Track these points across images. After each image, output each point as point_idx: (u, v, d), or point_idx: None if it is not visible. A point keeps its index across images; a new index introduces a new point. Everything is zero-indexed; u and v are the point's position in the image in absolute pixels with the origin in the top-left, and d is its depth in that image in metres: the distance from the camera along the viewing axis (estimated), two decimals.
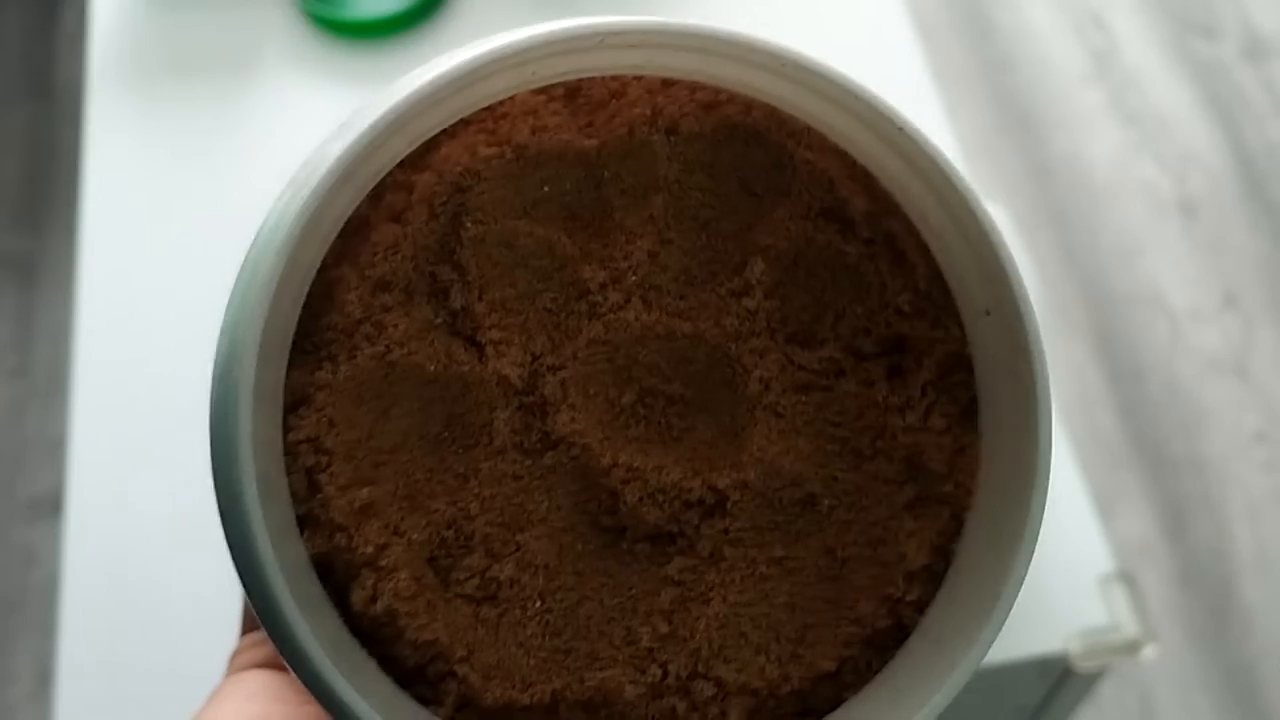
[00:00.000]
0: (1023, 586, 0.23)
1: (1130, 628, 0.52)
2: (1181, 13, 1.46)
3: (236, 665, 0.30)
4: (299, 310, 0.24)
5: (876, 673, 0.25)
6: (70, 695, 0.53)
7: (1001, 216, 0.54)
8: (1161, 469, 1.17)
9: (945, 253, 0.24)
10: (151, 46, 0.71)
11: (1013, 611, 0.23)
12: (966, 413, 0.25)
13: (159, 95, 0.70)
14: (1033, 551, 0.23)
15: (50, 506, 1.15)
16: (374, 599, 0.23)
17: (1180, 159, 1.36)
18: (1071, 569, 0.54)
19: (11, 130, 1.38)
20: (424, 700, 0.24)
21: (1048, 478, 0.23)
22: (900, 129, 0.23)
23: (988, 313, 0.24)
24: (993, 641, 0.22)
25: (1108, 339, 1.24)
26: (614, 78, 0.24)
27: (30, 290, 1.28)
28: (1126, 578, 0.53)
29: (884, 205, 0.25)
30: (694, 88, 0.25)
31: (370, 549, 0.23)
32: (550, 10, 0.70)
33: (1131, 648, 0.52)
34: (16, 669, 1.08)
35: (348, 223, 0.24)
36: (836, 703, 0.25)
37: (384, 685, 0.23)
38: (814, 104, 0.24)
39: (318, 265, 0.24)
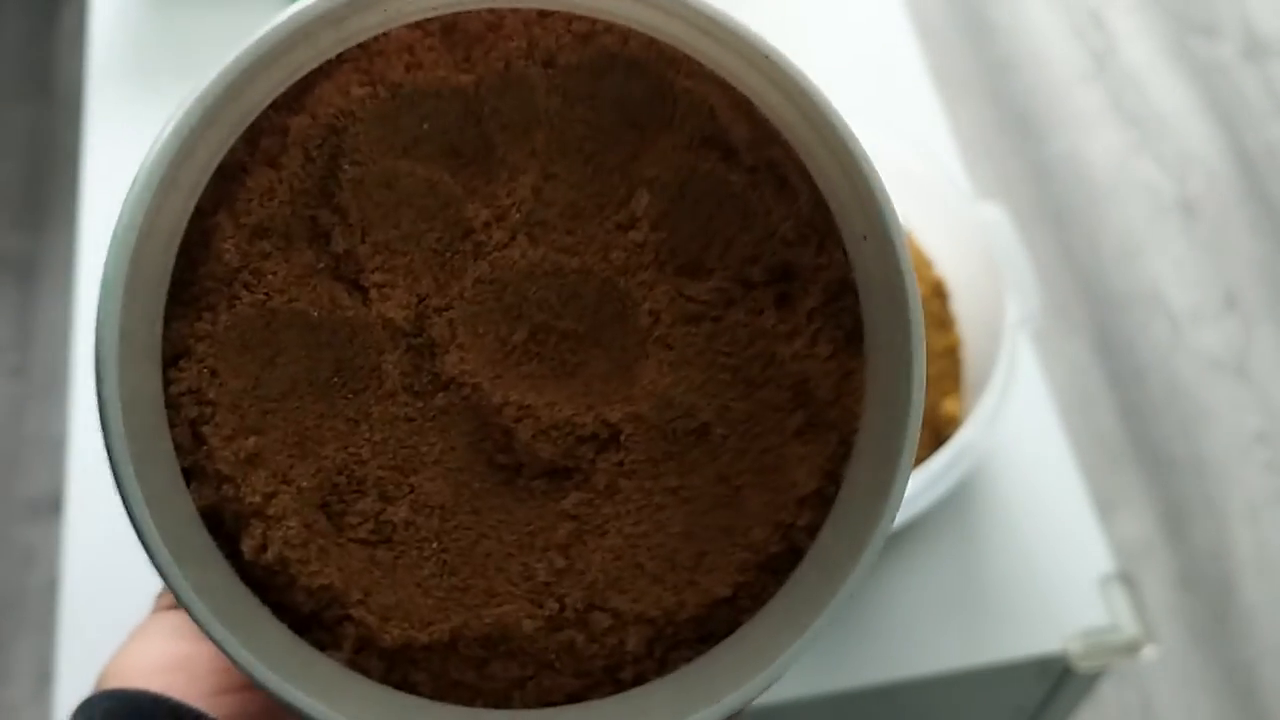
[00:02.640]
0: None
1: (1130, 628, 0.52)
2: (1181, 13, 1.46)
3: (161, 605, 0.30)
4: (172, 259, 0.24)
5: (772, 596, 0.25)
6: (70, 695, 0.53)
7: (1001, 216, 0.54)
8: (1161, 469, 1.17)
9: (825, 179, 0.25)
10: (151, 46, 0.71)
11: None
12: (851, 338, 0.25)
13: (159, 95, 0.70)
14: (909, 470, 0.23)
15: (50, 506, 1.15)
16: (264, 547, 0.24)
17: (1180, 159, 1.36)
18: (1071, 569, 0.54)
19: (11, 130, 1.39)
20: (322, 645, 0.24)
21: (922, 395, 0.23)
22: (767, 57, 0.23)
23: (865, 237, 0.24)
24: (874, 562, 0.23)
25: (1108, 339, 1.24)
26: (490, 10, 0.24)
27: (30, 290, 1.28)
28: (1126, 578, 0.53)
29: (765, 133, 0.25)
30: (570, 18, 0.24)
31: (258, 498, 0.24)
32: None
33: (1131, 648, 0.52)
34: (16, 669, 1.08)
35: (224, 169, 0.24)
36: (734, 626, 0.25)
37: (279, 632, 0.24)
38: (687, 33, 0.24)
39: (190, 212, 0.24)
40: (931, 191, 0.55)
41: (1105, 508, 1.14)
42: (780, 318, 0.25)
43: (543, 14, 0.24)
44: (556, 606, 0.24)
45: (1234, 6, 1.47)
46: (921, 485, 0.47)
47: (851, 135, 0.23)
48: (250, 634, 0.22)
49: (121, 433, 0.22)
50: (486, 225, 0.24)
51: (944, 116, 0.67)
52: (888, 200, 0.23)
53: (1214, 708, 1.05)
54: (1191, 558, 1.12)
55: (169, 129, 0.21)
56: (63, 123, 1.38)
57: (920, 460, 0.51)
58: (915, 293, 0.23)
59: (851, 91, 0.68)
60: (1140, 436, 1.19)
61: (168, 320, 0.24)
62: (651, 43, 0.24)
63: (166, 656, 0.28)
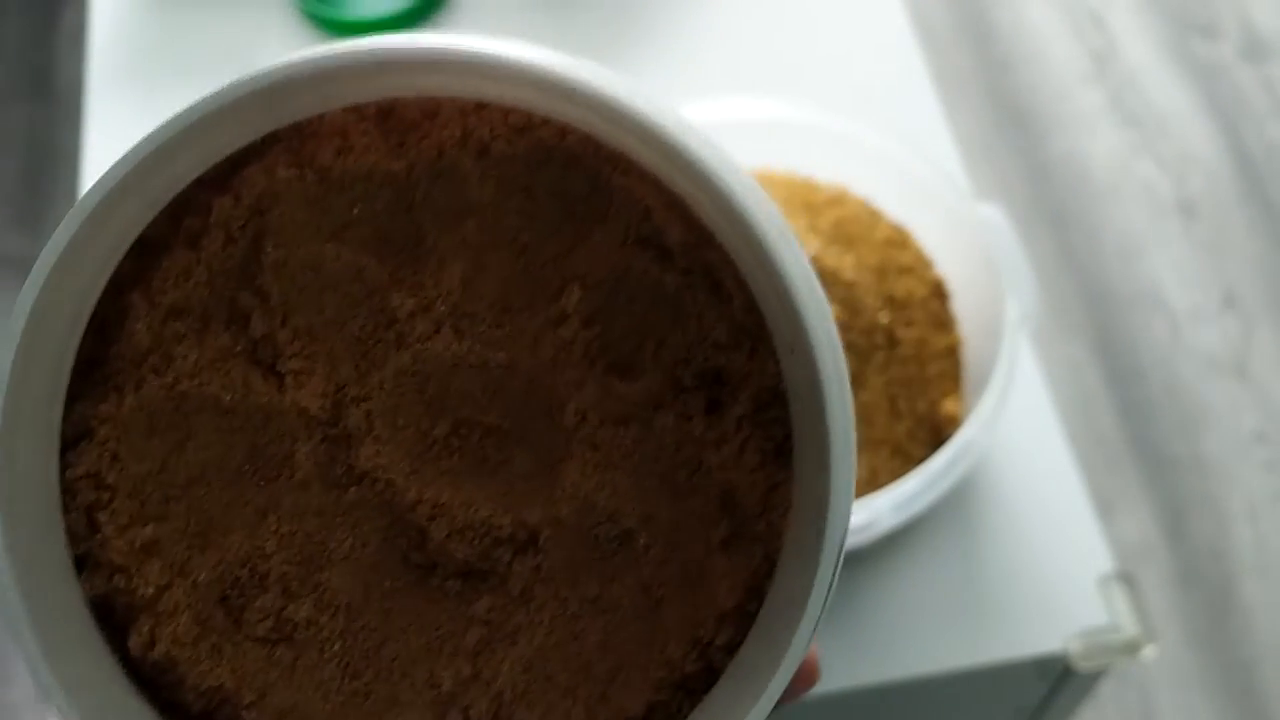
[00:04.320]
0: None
1: (1130, 628, 0.52)
2: (1181, 13, 1.46)
3: None
4: (78, 338, 0.23)
5: (685, 717, 0.24)
6: None
7: (1000, 216, 0.54)
8: (1161, 469, 1.17)
9: (756, 285, 0.23)
10: (151, 46, 0.71)
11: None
12: (780, 449, 0.24)
13: (159, 95, 0.70)
14: (827, 590, 0.21)
15: None
16: (152, 644, 0.23)
17: (1180, 159, 1.36)
18: (1071, 569, 0.54)
19: (11, 130, 1.39)
20: None
21: (844, 514, 0.22)
22: (694, 167, 0.21)
23: (791, 350, 0.23)
24: (785, 683, 0.21)
25: (1108, 339, 1.24)
26: (428, 98, 0.23)
27: None
28: (1126, 578, 0.54)
29: (700, 235, 0.24)
30: (508, 110, 0.23)
31: (150, 590, 0.23)
32: (554, 11, 0.70)
33: (1131, 648, 0.52)
34: (16, 669, 1.08)
35: (145, 244, 0.23)
36: None
37: None
38: (620, 134, 0.23)
39: (101, 287, 0.23)
40: (931, 191, 0.55)
41: (1105, 508, 1.14)
42: (709, 424, 0.24)
43: (480, 105, 0.23)
44: (460, 718, 0.23)
45: (1234, 6, 1.47)
46: (921, 485, 0.47)
47: (776, 247, 0.21)
48: None
49: (1, 518, 0.21)
50: (411, 315, 0.23)
51: (943, 116, 0.67)
52: (810, 314, 0.21)
53: (1213, 708, 1.05)
54: (1191, 557, 1.12)
55: (78, 207, 0.21)
56: (62, 123, 1.38)
57: (920, 460, 0.51)
58: (838, 409, 0.21)
59: (851, 91, 0.68)
60: (1140, 436, 1.19)
61: (73, 400, 0.23)
62: (588, 138, 0.23)
63: None
